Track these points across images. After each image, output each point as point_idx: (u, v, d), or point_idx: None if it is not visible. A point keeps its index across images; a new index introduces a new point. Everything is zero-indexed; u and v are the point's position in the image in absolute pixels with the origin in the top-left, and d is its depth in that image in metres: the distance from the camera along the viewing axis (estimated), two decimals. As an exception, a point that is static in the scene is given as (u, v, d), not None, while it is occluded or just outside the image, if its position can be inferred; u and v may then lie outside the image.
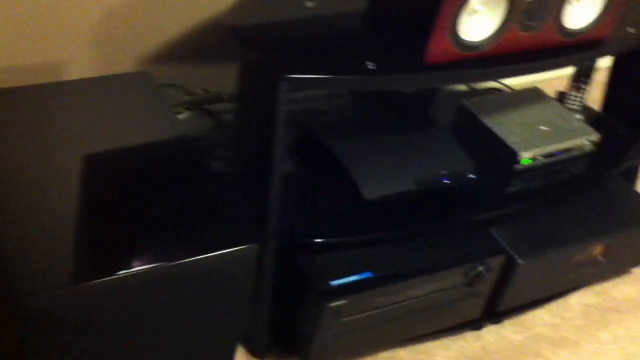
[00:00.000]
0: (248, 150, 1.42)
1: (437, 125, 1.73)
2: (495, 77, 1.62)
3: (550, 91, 2.01)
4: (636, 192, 1.89)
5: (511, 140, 1.68)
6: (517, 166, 1.67)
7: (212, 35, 1.72)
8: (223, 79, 1.64)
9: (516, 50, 1.48)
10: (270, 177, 1.31)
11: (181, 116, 1.72)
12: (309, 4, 1.42)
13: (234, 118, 1.55)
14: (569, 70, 1.90)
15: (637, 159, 1.89)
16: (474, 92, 1.87)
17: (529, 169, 1.69)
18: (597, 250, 1.76)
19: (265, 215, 1.34)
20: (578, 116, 1.87)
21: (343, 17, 1.45)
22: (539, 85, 1.99)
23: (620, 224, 1.77)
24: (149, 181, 1.30)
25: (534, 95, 1.86)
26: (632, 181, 1.94)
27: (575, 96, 1.89)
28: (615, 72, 1.92)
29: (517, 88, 2.02)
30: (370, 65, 1.31)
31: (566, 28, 1.52)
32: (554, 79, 2.26)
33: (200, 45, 1.74)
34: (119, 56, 1.71)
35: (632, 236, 1.79)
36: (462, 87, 2.00)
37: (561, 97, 1.92)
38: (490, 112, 1.74)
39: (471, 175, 1.61)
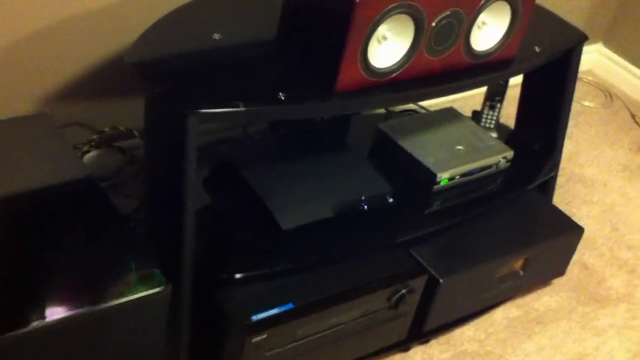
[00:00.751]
0: (159, 186, 1.40)
1: (355, 149, 1.74)
2: (406, 102, 1.64)
3: (468, 108, 2.04)
4: (552, 205, 1.93)
5: (429, 161, 1.69)
6: (436, 187, 1.69)
7: (118, 71, 1.69)
8: (134, 114, 1.61)
9: (426, 73, 1.50)
10: (183, 213, 1.29)
11: (89, 155, 1.67)
12: (216, 36, 1.41)
13: (144, 154, 1.52)
14: (484, 89, 1.93)
15: (551, 173, 1.93)
16: (390, 115, 1.89)
17: (447, 189, 1.71)
18: (517, 264, 1.79)
19: (179, 253, 1.32)
20: (493, 134, 1.90)
21: (252, 48, 1.44)
22: (456, 104, 2.02)
23: (539, 237, 1.80)
24: (52, 227, 1.25)
25: (449, 115, 1.88)
26: (549, 194, 1.98)
27: (490, 115, 1.92)
28: (526, 89, 1.97)
29: (433, 108, 2.04)
30: (281, 96, 1.31)
31: (474, 50, 1.55)
32: (471, 96, 2.31)
33: (105, 81, 1.70)
34: (16, 99, 1.65)
35: (550, 248, 1.83)
36: (378, 110, 2.01)
37: (476, 116, 1.95)
38: (407, 134, 1.76)
39: (390, 198, 1.62)
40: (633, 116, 2.67)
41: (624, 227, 2.19)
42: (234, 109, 1.25)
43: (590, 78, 2.82)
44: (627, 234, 2.17)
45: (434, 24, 1.43)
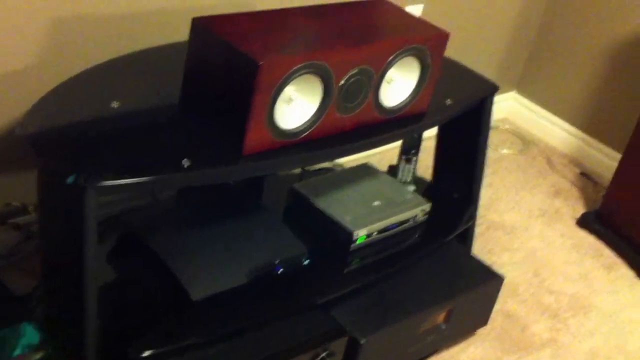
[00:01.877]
0: (58, 263, 1.33)
1: (269, 211, 1.70)
2: (317, 162, 1.61)
3: (386, 162, 2.04)
4: (472, 255, 1.93)
5: (345, 219, 1.66)
6: (353, 245, 1.66)
7: (8, 144, 1.61)
8: (28, 189, 1.53)
9: (337, 131, 1.48)
10: (84, 290, 1.23)
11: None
12: (115, 104, 1.35)
13: (39, 230, 1.45)
14: (400, 142, 1.92)
15: (469, 223, 1.93)
16: (305, 173, 1.86)
17: (365, 246, 1.68)
18: (440, 316, 1.77)
19: (82, 333, 1.25)
20: (411, 187, 1.90)
21: (154, 114, 1.40)
22: (373, 158, 2.01)
23: (460, 289, 1.79)
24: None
25: (365, 171, 1.86)
26: (468, 244, 1.97)
27: (406, 168, 1.91)
28: (441, 141, 1.97)
29: (351, 163, 2.02)
30: (186, 162, 1.27)
31: (385, 106, 1.54)
32: (389, 149, 2.30)
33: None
34: None
35: (471, 299, 1.82)
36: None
37: (393, 170, 1.94)
38: (322, 193, 1.73)
39: (306, 260, 1.58)
40: (549, 161, 2.71)
41: (545, 272, 2.20)
42: (134, 180, 1.20)
43: (507, 126, 2.87)
44: (549, 279, 2.18)
45: (342, 82, 1.42)
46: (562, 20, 2.71)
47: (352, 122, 1.50)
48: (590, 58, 2.66)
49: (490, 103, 1.86)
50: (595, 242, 2.36)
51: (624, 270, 2.26)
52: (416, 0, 2.33)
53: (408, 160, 1.90)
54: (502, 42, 2.72)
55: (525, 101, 2.87)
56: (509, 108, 2.89)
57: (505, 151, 2.72)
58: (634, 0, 2.51)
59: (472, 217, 1.93)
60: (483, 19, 2.58)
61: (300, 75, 1.35)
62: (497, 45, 2.71)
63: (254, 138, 1.34)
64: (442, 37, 1.57)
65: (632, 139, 2.28)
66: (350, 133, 1.50)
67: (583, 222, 2.41)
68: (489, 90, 1.85)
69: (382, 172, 1.89)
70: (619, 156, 2.36)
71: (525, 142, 2.80)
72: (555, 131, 2.80)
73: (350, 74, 1.42)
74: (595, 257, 2.30)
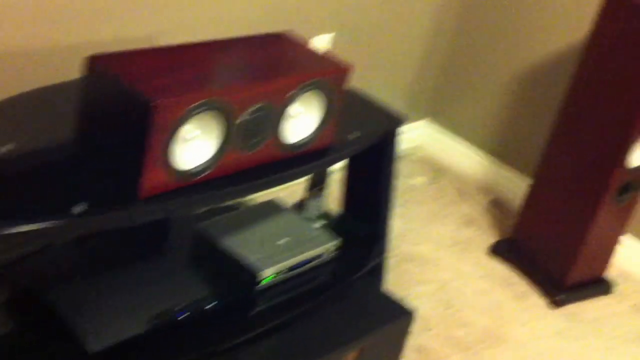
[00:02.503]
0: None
1: (172, 253, 1.64)
2: (219, 202, 1.57)
3: (295, 196, 2.00)
4: (382, 292, 1.90)
5: (250, 259, 1.61)
6: (259, 286, 1.61)
7: None
8: None
9: (239, 170, 1.44)
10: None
11: None
12: (4, 149, 1.28)
13: None
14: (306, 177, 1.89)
15: (379, 258, 1.90)
16: (209, 212, 1.81)
17: (271, 287, 1.64)
18: (352, 356, 1.73)
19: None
20: (319, 223, 1.86)
21: (46, 157, 1.32)
22: (281, 193, 1.97)
23: (370, 327, 1.75)
24: None
25: (271, 208, 1.82)
26: (379, 279, 1.95)
27: (314, 203, 1.88)
28: (349, 174, 1.94)
29: (259, 197, 1.98)
30: (79, 208, 1.20)
31: (287, 143, 1.50)
32: (297, 184, 2.26)
33: None
34: None
35: (383, 337, 1.79)
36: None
37: (300, 205, 1.91)
38: (226, 232, 1.68)
39: (210, 304, 1.52)
40: (461, 189, 2.73)
41: (457, 304, 2.19)
42: (17, 230, 1.12)
43: (419, 154, 2.87)
44: (461, 311, 2.17)
45: (243, 119, 1.38)
46: (471, 48, 2.74)
47: (255, 159, 1.46)
48: (499, 85, 2.70)
49: (396, 136, 1.85)
50: (507, 271, 2.37)
51: (535, 299, 2.28)
52: (326, 30, 2.31)
53: (315, 195, 1.87)
54: (413, 70, 2.73)
55: (438, 129, 2.89)
56: (421, 136, 2.91)
57: (417, 180, 2.73)
58: (540, 28, 2.56)
59: (382, 252, 1.90)
60: (394, 46, 2.59)
61: (198, 113, 1.30)
62: (408, 72, 2.73)
63: (151, 180, 1.29)
64: (343, 71, 1.55)
65: (540, 165, 2.31)
66: (253, 171, 1.46)
67: (495, 251, 2.43)
68: (395, 123, 1.84)
69: (289, 208, 1.84)
70: (529, 182, 2.39)
71: (437, 170, 2.81)
72: (466, 158, 2.82)
73: (250, 110, 1.38)
74: (507, 286, 2.31)
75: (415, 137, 2.89)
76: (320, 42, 2.30)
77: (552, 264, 2.30)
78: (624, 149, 2.09)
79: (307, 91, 1.48)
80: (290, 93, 1.45)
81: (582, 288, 2.32)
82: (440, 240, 2.44)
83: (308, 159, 1.55)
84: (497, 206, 2.67)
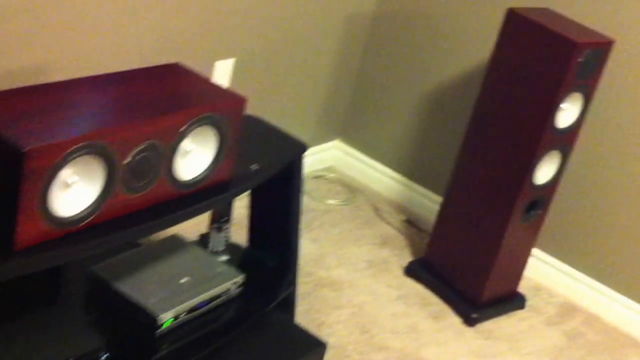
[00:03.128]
0: None
1: (66, 299, 1.55)
2: (107, 247, 1.48)
3: (201, 228, 1.93)
4: (294, 324, 1.85)
5: (149, 302, 1.54)
6: (160, 330, 1.53)
7: None
8: None
9: (130, 211, 1.37)
10: None
11: None
12: None
13: None
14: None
15: (289, 289, 1.85)
16: (107, 252, 1.72)
17: (173, 329, 1.56)
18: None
19: None
20: (224, 257, 1.80)
21: None
22: (186, 224, 1.90)
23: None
24: None
25: (173, 244, 1.75)
26: (290, 311, 1.90)
27: (218, 237, 1.81)
28: (254, 205, 1.89)
29: (162, 233, 1.90)
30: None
31: (181, 181, 1.44)
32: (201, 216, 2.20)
33: None
34: None
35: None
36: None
37: (204, 240, 1.84)
38: (124, 274, 1.60)
39: (105, 354, 1.45)
40: (375, 210, 2.70)
41: (374, 328, 2.16)
42: None
43: (332, 175, 2.84)
44: (378, 335, 2.13)
45: (127, 161, 1.31)
46: (380, 68, 2.72)
47: (147, 200, 1.39)
48: (408, 105, 2.69)
49: (300, 164, 1.80)
50: (423, 290, 2.35)
51: (451, 319, 2.26)
52: (227, 55, 2.26)
53: (219, 229, 1.80)
54: (322, 91, 2.70)
55: (349, 149, 2.86)
56: (333, 157, 2.87)
57: (331, 202, 2.68)
58: (447, 49, 2.56)
59: (292, 283, 1.86)
60: (301, 68, 2.55)
61: (76, 157, 1.23)
62: (317, 93, 2.69)
63: (27, 231, 1.21)
64: (238, 103, 1.50)
65: (450, 184, 2.30)
66: (145, 212, 1.39)
67: (410, 271, 2.40)
68: (298, 151, 1.80)
69: (192, 244, 1.78)
70: (441, 200, 2.38)
71: (351, 191, 2.77)
72: (380, 178, 2.80)
73: (136, 151, 1.32)
74: (423, 307, 2.29)
75: (328, 157, 2.85)
76: (222, 68, 2.24)
77: (466, 282, 2.29)
78: (530, 167, 2.09)
79: (198, 127, 1.42)
80: (180, 130, 1.39)
81: (497, 304, 2.31)
82: (355, 262, 2.41)
83: (205, 195, 1.50)
84: (411, 225, 2.65)
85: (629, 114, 2.29)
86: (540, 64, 2.03)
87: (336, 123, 2.84)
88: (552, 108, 2.02)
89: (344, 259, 2.41)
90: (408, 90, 2.68)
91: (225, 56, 2.25)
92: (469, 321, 2.25)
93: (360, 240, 2.52)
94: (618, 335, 2.36)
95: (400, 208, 2.73)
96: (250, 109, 1.59)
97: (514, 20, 2.07)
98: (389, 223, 2.64)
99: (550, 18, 2.09)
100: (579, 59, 1.98)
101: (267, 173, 1.66)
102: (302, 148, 1.79)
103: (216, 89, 1.54)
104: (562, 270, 2.47)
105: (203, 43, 2.15)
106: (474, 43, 2.48)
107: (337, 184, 2.80)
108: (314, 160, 2.74)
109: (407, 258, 2.46)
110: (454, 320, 2.26)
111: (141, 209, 1.39)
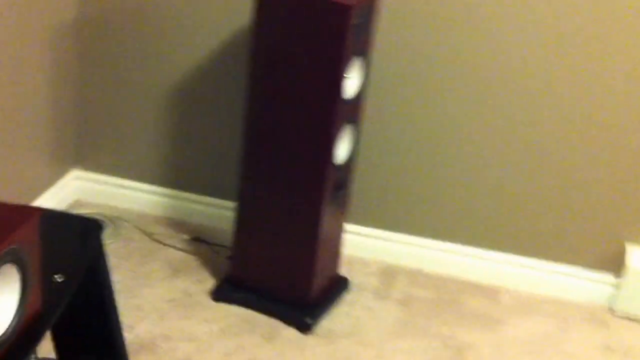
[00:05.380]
0: None
1: None
2: None
3: None
4: None
5: None
6: None
7: None
8: None
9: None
10: None
11: None
12: None
13: None
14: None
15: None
16: None
17: None
18: None
19: None
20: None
21: None
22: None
23: None
24: None
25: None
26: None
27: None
28: (57, 332, 1.46)
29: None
30: None
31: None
32: None
33: None
34: None
35: None
36: None
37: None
38: None
39: None
40: (151, 235, 2.31)
41: (213, 378, 1.85)
42: None
43: (82, 210, 2.36)
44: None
45: None
46: (104, 77, 2.32)
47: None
48: (147, 107, 2.33)
49: (101, 244, 1.40)
50: (244, 312, 2.06)
51: (285, 333, 2.01)
52: None
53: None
54: (43, 118, 2.23)
55: (92, 175, 2.42)
56: (76, 189, 2.42)
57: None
58: (175, 37, 2.23)
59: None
60: (11, 100, 2.06)
61: None
62: (38, 123, 2.21)
63: None
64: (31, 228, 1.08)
65: (241, 182, 2.00)
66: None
67: (219, 296, 2.10)
68: (93, 229, 1.39)
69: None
70: (231, 206, 2.08)
71: (111, 221, 2.35)
72: (139, 197, 2.41)
73: None
74: (251, 330, 2.01)
75: (70, 192, 2.40)
76: None
77: (288, 287, 2.05)
78: (329, 147, 1.88)
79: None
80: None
81: (325, 298, 2.11)
82: (156, 308, 2.04)
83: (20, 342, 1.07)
84: (200, 242, 2.31)
85: (408, 71, 2.16)
86: (315, 34, 1.79)
87: (69, 150, 2.38)
88: (338, 78, 1.81)
89: (142, 309, 2.03)
90: (142, 91, 2.31)
91: None
92: (305, 328, 2.03)
93: (149, 277, 2.15)
94: (447, 284, 2.29)
95: (179, 225, 2.37)
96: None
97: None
98: (172, 246, 2.28)
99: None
100: (354, 22, 1.78)
101: (77, 275, 1.26)
102: (97, 226, 1.39)
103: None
104: (363, 233, 2.33)
105: None
106: (206, 23, 2.18)
107: (95, 215, 2.35)
108: (55, 200, 2.29)
109: (209, 282, 2.16)
110: (289, 332, 2.02)
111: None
